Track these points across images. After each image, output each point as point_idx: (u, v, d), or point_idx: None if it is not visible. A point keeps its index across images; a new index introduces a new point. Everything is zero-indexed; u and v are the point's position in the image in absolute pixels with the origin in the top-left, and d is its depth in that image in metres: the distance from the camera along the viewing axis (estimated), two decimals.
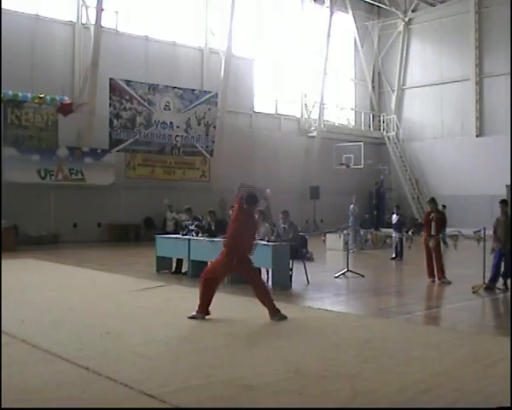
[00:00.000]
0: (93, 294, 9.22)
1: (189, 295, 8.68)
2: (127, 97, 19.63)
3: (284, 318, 6.87)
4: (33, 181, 17.70)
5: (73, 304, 8.18)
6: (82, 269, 12.33)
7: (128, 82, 19.70)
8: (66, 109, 17.99)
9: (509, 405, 3.40)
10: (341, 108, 28.25)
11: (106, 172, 18.97)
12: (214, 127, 21.72)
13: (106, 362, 5.20)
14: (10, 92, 17.21)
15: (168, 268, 11.72)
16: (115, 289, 9.71)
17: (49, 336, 6.23)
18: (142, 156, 20.47)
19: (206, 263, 9.40)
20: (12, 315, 7.16)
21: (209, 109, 21.55)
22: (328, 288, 10.30)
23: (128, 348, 5.77)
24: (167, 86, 20.66)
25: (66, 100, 18.11)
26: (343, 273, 11.27)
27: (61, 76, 18.75)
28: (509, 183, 22.77)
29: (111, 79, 19.15)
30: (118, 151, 19.50)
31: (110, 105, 19.18)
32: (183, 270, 11.41)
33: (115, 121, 19.33)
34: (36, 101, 17.68)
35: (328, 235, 16.02)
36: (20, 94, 17.44)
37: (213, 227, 11.09)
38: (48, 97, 17.76)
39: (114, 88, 19.34)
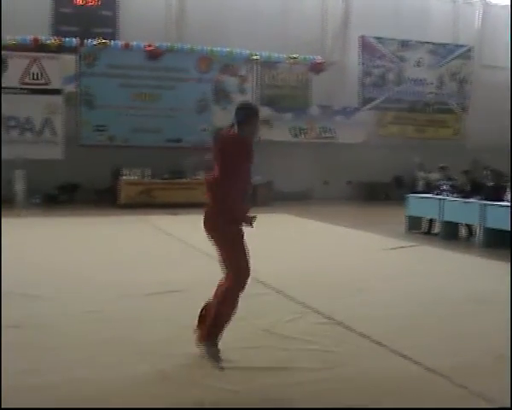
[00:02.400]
0: (343, 250, 9.53)
1: (441, 258, 8.62)
2: (378, 55, 19.77)
3: (216, 359, 4.17)
4: (286, 139, 19.06)
5: (322, 260, 8.49)
6: (331, 226, 12.75)
7: (379, 39, 19.80)
8: (317, 68, 18.91)
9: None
10: None
11: (356, 131, 19.43)
12: (469, 83, 20.62)
13: (358, 319, 5.31)
14: (265, 54, 18.72)
15: (418, 228, 11.63)
16: (365, 247, 9.88)
17: (303, 288, 6.54)
18: (392, 114, 20.40)
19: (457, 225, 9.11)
20: (265, 268, 7.61)
21: (463, 64, 20.53)
22: None
23: (380, 306, 5.83)
24: (419, 42, 20.20)
25: (318, 59, 18.97)
26: None
27: (312, 36, 19.57)
28: None
29: (362, 36, 19.48)
30: (369, 109, 19.84)
31: (360, 63, 19.57)
32: (435, 231, 11.24)
33: (366, 79, 19.68)
34: (289, 61, 18.92)
35: None
36: (273, 55, 18.84)
37: (468, 188, 10.80)
38: (300, 57, 18.86)
39: (365, 45, 19.63)
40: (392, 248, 9.55)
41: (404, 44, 20.01)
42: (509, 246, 8.89)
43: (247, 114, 4.35)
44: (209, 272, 7.28)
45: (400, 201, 13.17)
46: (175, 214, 14.81)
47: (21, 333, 4.88)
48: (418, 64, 20.15)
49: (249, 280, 4.37)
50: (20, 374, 3.94)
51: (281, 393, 3.77)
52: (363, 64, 19.59)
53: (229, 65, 18.51)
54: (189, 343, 4.57)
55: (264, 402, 3.65)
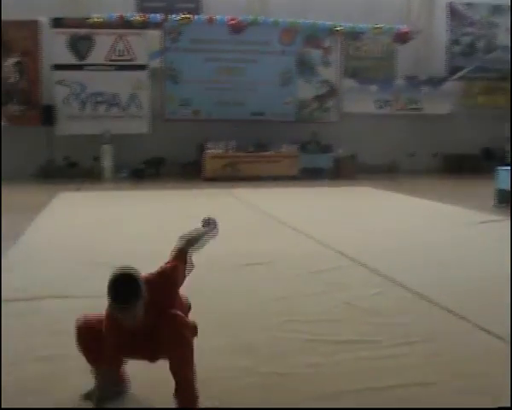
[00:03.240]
0: (428, 224, 9.25)
1: None
2: (467, 21, 19.15)
3: None
4: (370, 111, 18.79)
5: (406, 233, 8.29)
6: (416, 199, 12.44)
7: (468, 4, 19.18)
8: (403, 38, 18.49)
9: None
10: None
11: (443, 101, 18.83)
12: None
13: (443, 294, 5.19)
14: (349, 25, 18.48)
15: (508, 202, 11.21)
16: (451, 221, 9.61)
17: (386, 261, 6.43)
18: (481, 84, 19.63)
19: None
20: (348, 241, 7.56)
21: None
22: None
23: (466, 281, 5.68)
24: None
25: (404, 28, 18.56)
26: None
27: (396, 5, 19.16)
28: None
29: (450, 2, 18.92)
30: (456, 79, 19.27)
31: (448, 31, 19.02)
32: None
33: (454, 48, 19.11)
34: (373, 31, 18.61)
35: None
36: (357, 26, 18.59)
37: None
38: (385, 27, 18.51)
39: (453, 12, 19.03)
40: (480, 222, 9.23)
41: (496, 9, 19.26)
42: None
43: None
44: (293, 244, 7.48)
45: (489, 173, 12.76)
46: (259, 187, 14.90)
47: None
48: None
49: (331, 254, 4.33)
50: None
51: (362, 367, 3.71)
52: (450, 32, 19.00)
53: (312, 37, 18.36)
54: (272, 316, 4.62)
55: (345, 376, 3.59)
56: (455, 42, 19.08)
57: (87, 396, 3.22)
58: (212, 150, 17.28)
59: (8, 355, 3.83)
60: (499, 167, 11.88)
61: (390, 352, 3.94)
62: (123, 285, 2.86)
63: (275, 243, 7.61)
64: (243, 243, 7.56)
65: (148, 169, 17.77)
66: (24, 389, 3.41)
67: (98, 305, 4.58)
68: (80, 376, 3.41)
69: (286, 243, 7.60)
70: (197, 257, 6.20)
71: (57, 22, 17.56)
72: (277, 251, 7.02)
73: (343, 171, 17.70)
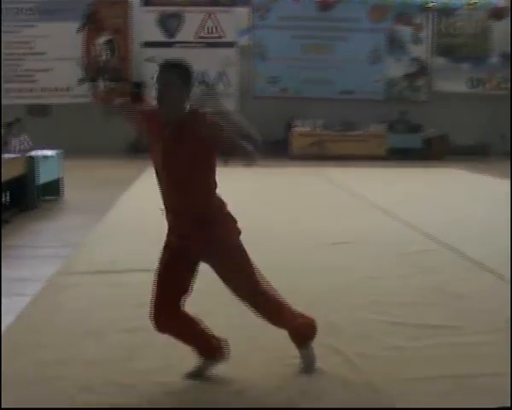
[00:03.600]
0: None
1: None
2: None
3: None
4: (462, 91, 18.28)
5: (498, 217, 8.03)
6: (506, 181, 11.65)
7: None
8: (499, 13, 17.92)
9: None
10: None
11: None
12: None
13: None
14: (441, 1, 18.07)
15: None
16: None
17: (475, 246, 6.26)
18: None
19: None
20: (438, 224, 7.44)
21: None
22: None
23: None
24: None
25: (500, 3, 17.98)
26: None
27: None
28: None
29: None
30: None
31: None
32: None
33: None
34: (468, 7, 18.12)
35: None
36: (451, 1, 18.14)
37: None
38: (479, 2, 17.99)
39: None
40: None
41: None
42: None
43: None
44: (381, 225, 7.39)
45: None
46: (346, 166, 14.79)
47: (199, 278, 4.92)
48: None
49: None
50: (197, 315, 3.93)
51: (444, 353, 3.62)
52: None
53: (403, 13, 18.05)
54: (358, 296, 4.58)
55: (426, 361, 3.52)
56: None
57: (190, 375, 3.26)
58: (300, 128, 17.25)
59: (96, 324, 3.97)
60: None
61: (473, 339, 3.85)
62: (174, 63, 3.01)
63: (362, 222, 7.57)
64: (330, 221, 7.57)
65: None
66: (109, 359, 3.52)
67: None
68: (163, 348, 3.50)
69: (373, 224, 7.55)
70: (279, 236, 6.41)
71: (147, 1, 17.87)
72: (364, 231, 6.99)
73: (433, 152, 17.34)
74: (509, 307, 4.28)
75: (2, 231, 6.98)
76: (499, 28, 18.12)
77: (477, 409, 3.13)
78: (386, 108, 17.81)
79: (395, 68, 18.12)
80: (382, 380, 3.26)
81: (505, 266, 5.47)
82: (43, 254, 6.20)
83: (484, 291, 4.87)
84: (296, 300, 4.20)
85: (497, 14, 17.91)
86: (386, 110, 17.72)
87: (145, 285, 4.51)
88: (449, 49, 18.38)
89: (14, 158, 8.41)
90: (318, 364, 3.36)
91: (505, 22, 17.96)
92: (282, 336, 3.34)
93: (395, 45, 18.10)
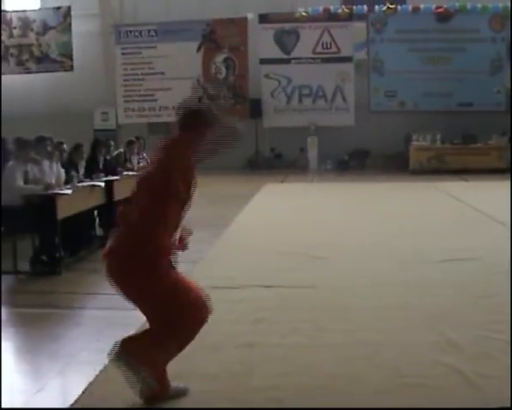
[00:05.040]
0: None
1: None
2: None
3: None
4: None
5: None
6: None
7: None
8: None
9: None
10: None
11: None
12: None
13: None
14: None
15: None
16: None
17: None
18: None
19: None
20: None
21: None
22: None
23: None
24: None
25: None
26: None
27: None
28: None
29: None
30: None
31: None
32: None
33: None
34: None
35: None
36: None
37: None
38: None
39: None
40: None
41: None
42: None
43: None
44: (502, 241, 7.18)
45: None
46: (466, 180, 14.92)
47: (316, 293, 5.35)
48: None
49: None
50: (314, 331, 4.35)
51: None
52: None
53: None
54: (479, 315, 4.61)
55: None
56: None
57: None
58: (418, 142, 17.57)
59: (213, 339, 4.00)
60: None
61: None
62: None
63: (482, 238, 7.48)
64: (448, 238, 7.60)
65: (352, 161, 18.44)
66: (227, 372, 3.67)
67: (303, 294, 5.05)
68: (280, 364, 3.73)
69: (494, 240, 7.47)
70: (395, 253, 6.64)
71: (264, 18, 18.63)
72: (485, 247, 6.90)
73: None
74: None
75: None
76: None
77: (477, 409, 3.27)
78: (508, 119, 17.83)
79: None
80: (501, 401, 3.24)
81: None
82: None
83: None
84: (417, 316, 4.63)
85: None
86: (508, 122, 17.75)
87: (263, 301, 5.08)
88: None
89: (134, 175, 8.36)
90: (439, 382, 3.50)
91: None
92: None
93: None
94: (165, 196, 2.98)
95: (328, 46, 18.50)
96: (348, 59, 18.41)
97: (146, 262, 2.97)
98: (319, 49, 18.55)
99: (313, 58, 18.55)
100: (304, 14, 18.27)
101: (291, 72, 18.56)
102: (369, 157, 18.43)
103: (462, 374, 3.59)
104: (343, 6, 18.36)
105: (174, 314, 3.09)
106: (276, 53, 18.63)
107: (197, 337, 3.28)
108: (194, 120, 3.14)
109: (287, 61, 18.60)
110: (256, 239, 7.71)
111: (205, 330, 3.29)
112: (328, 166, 18.37)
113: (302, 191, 13.74)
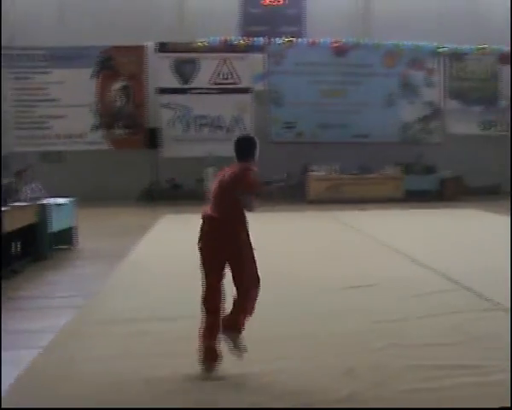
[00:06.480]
0: None
1: None
2: None
3: (239, 347, 4.30)
4: (474, 133, 19.03)
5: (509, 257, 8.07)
6: None
7: None
8: (507, 59, 18.95)
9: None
10: None
11: None
12: None
13: None
14: (452, 46, 18.94)
15: None
16: None
17: (492, 286, 6.48)
18: None
19: None
20: (454, 264, 7.69)
21: None
22: None
23: None
24: None
25: (508, 49, 19.02)
26: None
27: (500, 25, 19.55)
28: None
29: None
30: None
31: None
32: None
33: None
34: (477, 52, 19.16)
35: None
36: (461, 47, 19.11)
37: None
38: (489, 48, 19.03)
39: None
40: None
41: None
42: None
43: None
44: (397, 267, 7.68)
45: None
46: (363, 209, 15.28)
47: None
48: None
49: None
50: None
51: (465, 394, 3.78)
52: None
53: (415, 59, 18.94)
54: (376, 339, 4.76)
55: (447, 402, 3.67)
56: None
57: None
58: (316, 173, 17.91)
59: (116, 374, 4.01)
60: None
61: (496, 378, 3.97)
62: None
63: (379, 266, 7.84)
64: (347, 266, 7.84)
65: None
66: None
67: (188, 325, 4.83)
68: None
69: (390, 266, 7.82)
70: (299, 281, 6.73)
71: (162, 47, 18.55)
72: (381, 274, 7.17)
73: (448, 193, 18.08)
74: None
75: (14, 282, 7.04)
76: (508, 73, 19.11)
77: (477, 409, 3.34)
78: (402, 150, 18.55)
79: (409, 112, 18.96)
80: None
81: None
82: (58, 305, 6.16)
83: (501, 330, 5.01)
84: (318, 342, 4.70)
85: (505, 59, 18.94)
86: (402, 153, 18.46)
87: (165, 334, 4.91)
88: (460, 93, 19.25)
89: (24, 206, 8.35)
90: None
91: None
92: None
93: (409, 89, 18.94)
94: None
95: (227, 77, 18.61)
96: (247, 90, 18.58)
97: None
98: (218, 79, 18.62)
99: (212, 88, 18.59)
100: (202, 44, 18.36)
101: (190, 101, 18.49)
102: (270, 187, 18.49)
103: (361, 401, 3.71)
104: (241, 37, 18.60)
105: (254, 275, 4.24)
106: (175, 82, 18.52)
107: (96, 374, 3.78)
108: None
109: (185, 91, 18.53)
110: (153, 271, 7.57)
111: (103, 365, 3.66)
112: None
113: (200, 222, 13.46)
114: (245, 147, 4.56)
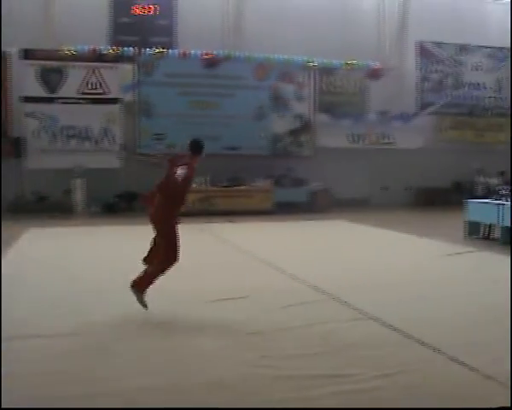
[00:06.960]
0: (400, 257, 9.68)
1: (500, 263, 8.74)
2: (436, 59, 20.47)
3: (142, 303, 5.92)
4: (344, 145, 19.56)
5: (379, 266, 8.66)
6: (389, 232, 13.00)
7: (436, 44, 20.50)
8: (375, 74, 19.62)
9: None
10: None
11: (415, 136, 19.74)
12: None
13: (415, 325, 5.42)
14: (322, 60, 19.37)
15: (477, 234, 11.82)
16: (423, 253, 10.09)
17: (359, 295, 6.71)
18: (451, 119, 20.77)
19: None
20: (321, 274, 7.96)
21: None
22: None
23: (437, 312, 5.98)
24: (477, 46, 20.89)
25: (376, 65, 19.66)
26: None
27: (369, 42, 20.25)
28: None
29: (419, 41, 20.23)
30: (427, 114, 20.47)
31: (418, 68, 20.30)
32: (494, 236, 11.45)
33: (424, 84, 20.38)
34: (346, 67, 19.71)
35: None
36: (331, 61, 19.57)
37: None
38: (358, 63, 19.62)
39: (423, 50, 20.31)
40: (449, 255, 9.70)
41: (462, 49, 20.62)
42: None
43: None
44: (267, 280, 7.76)
45: (459, 206, 13.32)
46: (232, 222, 15.36)
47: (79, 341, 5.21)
48: (476, 68, 20.76)
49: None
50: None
51: (337, 402, 3.85)
52: (420, 69, 20.24)
53: (286, 72, 19.21)
54: (246, 352, 4.81)
55: None
56: (425, 78, 20.34)
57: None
58: None
59: (32, 394, 3.87)
60: (469, 200, 12.47)
61: (365, 385, 4.07)
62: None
63: (248, 278, 7.86)
64: (216, 278, 7.80)
65: (120, 203, 18.14)
66: None
67: (66, 343, 4.88)
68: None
69: (259, 279, 7.84)
70: (170, 294, 6.59)
71: (27, 53, 17.92)
72: (251, 287, 7.17)
73: (318, 205, 18.44)
74: (395, 353, 4.76)
75: None
76: (376, 88, 19.77)
77: (477, 409, 3.36)
78: (272, 163, 18.78)
79: (280, 124, 19.20)
80: None
81: (388, 313, 5.89)
82: None
83: (370, 338, 5.16)
84: (185, 357, 4.63)
85: (373, 74, 19.59)
86: (272, 165, 18.69)
87: (32, 353, 4.69)
88: (330, 106, 19.70)
89: None
90: None
91: (381, 82, 19.63)
92: None
93: (279, 102, 19.20)
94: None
95: (96, 86, 18.22)
96: (116, 100, 18.25)
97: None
98: (86, 89, 18.17)
99: (80, 98, 18.13)
100: (70, 52, 17.90)
101: (56, 111, 17.94)
102: (137, 199, 18.22)
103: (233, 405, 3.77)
104: (111, 47, 18.28)
105: (175, 250, 5.87)
106: (41, 91, 17.93)
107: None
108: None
109: (52, 100, 17.96)
110: (19, 287, 7.36)
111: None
112: (96, 209, 17.88)
113: (67, 235, 13.10)
114: (196, 146, 6.41)
